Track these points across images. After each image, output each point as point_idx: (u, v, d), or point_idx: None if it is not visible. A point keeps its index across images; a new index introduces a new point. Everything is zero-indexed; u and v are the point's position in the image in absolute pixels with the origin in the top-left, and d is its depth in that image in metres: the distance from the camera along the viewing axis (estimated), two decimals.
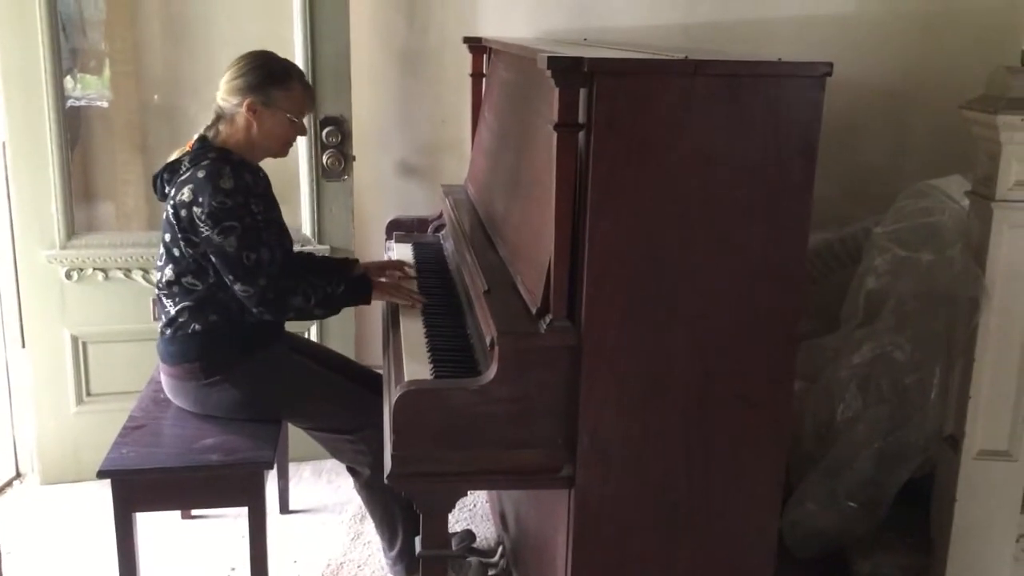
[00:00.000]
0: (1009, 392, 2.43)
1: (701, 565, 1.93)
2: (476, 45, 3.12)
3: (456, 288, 2.55)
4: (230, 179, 2.32)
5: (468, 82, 3.21)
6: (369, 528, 2.99)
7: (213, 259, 2.34)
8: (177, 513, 3.04)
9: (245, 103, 2.37)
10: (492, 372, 1.79)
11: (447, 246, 2.97)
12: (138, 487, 2.22)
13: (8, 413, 3.31)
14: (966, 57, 2.98)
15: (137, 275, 3.19)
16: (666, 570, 1.92)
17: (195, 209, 2.30)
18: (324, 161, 3.19)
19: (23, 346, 3.23)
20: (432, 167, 3.46)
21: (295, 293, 2.36)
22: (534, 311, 1.84)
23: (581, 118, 1.69)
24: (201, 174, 2.31)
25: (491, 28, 3.30)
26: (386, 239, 3.22)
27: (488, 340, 1.86)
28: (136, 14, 3.29)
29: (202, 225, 2.30)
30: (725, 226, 1.75)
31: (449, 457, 1.82)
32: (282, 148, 2.49)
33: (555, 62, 1.65)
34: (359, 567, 2.81)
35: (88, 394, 3.24)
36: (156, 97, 3.31)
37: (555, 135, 1.69)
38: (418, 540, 1.92)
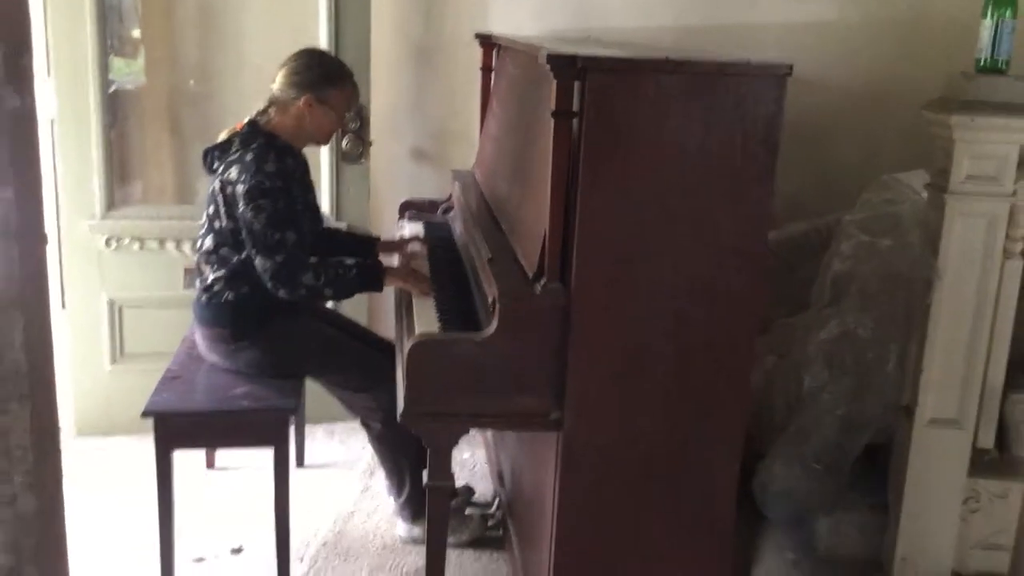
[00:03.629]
0: (958, 365, 2.68)
1: (671, 507, 2.20)
2: (486, 41, 3.39)
3: (463, 264, 2.81)
4: (274, 163, 2.57)
5: (478, 75, 3.48)
6: (377, 482, 3.27)
7: (244, 233, 2.60)
8: (203, 463, 3.32)
9: (303, 98, 2.63)
10: (492, 327, 2.06)
11: (456, 226, 3.24)
12: (176, 427, 2.50)
13: None
14: (933, 62, 3.22)
15: (170, 245, 3.47)
16: (640, 510, 2.19)
17: (238, 187, 2.56)
18: (344, 145, 3.46)
19: (63, 307, 3.52)
20: (443, 153, 3.72)
21: (307, 272, 2.56)
22: (530, 276, 2.11)
23: (575, 108, 1.96)
24: (249, 156, 2.57)
25: (501, 25, 3.56)
26: (399, 219, 3.49)
27: (490, 300, 2.13)
28: (171, 4, 3.57)
29: (240, 200, 2.56)
30: (697, 204, 2.02)
31: (453, 400, 2.09)
32: (326, 138, 2.77)
33: (553, 58, 1.92)
34: (368, 516, 3.09)
35: (122, 354, 3.52)
36: (192, 83, 3.58)
37: (552, 122, 1.96)
38: (425, 472, 2.19)
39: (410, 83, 3.68)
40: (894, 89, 3.40)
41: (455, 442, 2.17)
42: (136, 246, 3.44)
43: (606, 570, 2.22)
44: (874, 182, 2.99)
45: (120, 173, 3.48)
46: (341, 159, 3.48)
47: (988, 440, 2.79)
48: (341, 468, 3.40)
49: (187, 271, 3.50)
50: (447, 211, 3.47)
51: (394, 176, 3.72)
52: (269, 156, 2.58)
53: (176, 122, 3.68)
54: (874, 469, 2.95)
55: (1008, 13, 2.49)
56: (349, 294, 2.71)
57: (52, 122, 3.34)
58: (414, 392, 2.08)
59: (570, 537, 2.18)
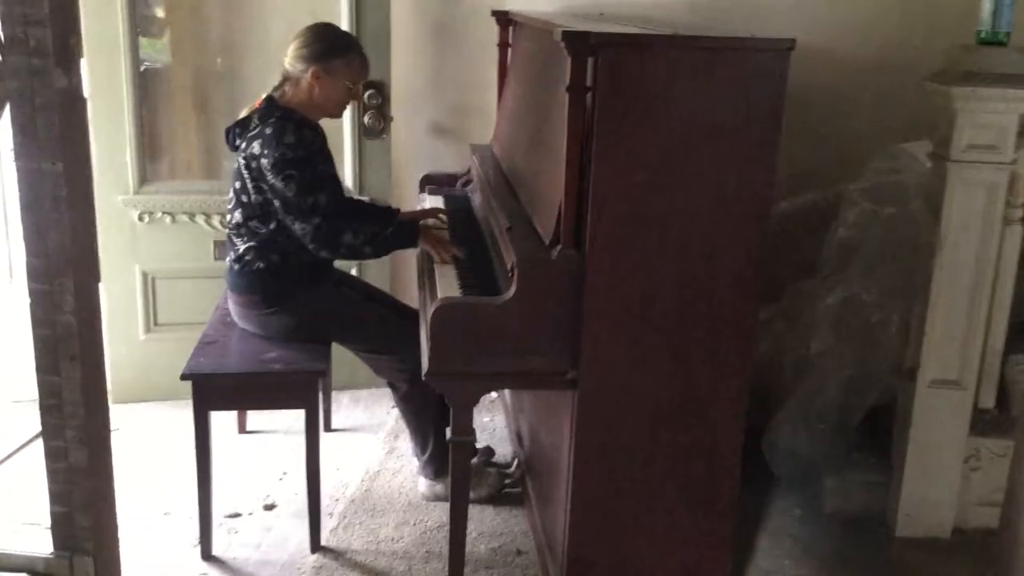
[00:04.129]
0: (959, 328, 2.79)
1: (680, 460, 2.32)
2: (503, 18, 3.49)
3: (483, 233, 2.93)
4: (292, 135, 2.70)
5: (494, 51, 3.59)
6: (401, 444, 3.41)
7: (276, 204, 2.72)
8: (235, 427, 3.47)
9: (310, 70, 2.74)
10: (512, 291, 2.19)
11: (474, 199, 3.35)
12: (213, 389, 2.63)
13: None
14: (940, 33, 3.29)
15: (200, 219, 3.60)
16: (650, 463, 2.32)
17: (263, 160, 2.68)
18: (366, 121, 3.57)
19: (98, 280, 3.65)
20: (460, 128, 3.83)
21: (347, 231, 2.72)
22: (547, 243, 2.23)
23: (588, 82, 2.07)
24: (268, 131, 2.70)
25: (516, 2, 3.64)
26: (419, 192, 3.61)
27: (509, 266, 2.25)
28: None
29: (268, 173, 2.68)
30: (703, 173, 2.13)
31: (475, 361, 2.22)
32: (337, 110, 2.87)
33: (568, 35, 2.03)
34: (393, 475, 3.23)
35: (155, 324, 3.66)
36: (219, 60, 3.70)
37: (567, 96, 2.07)
38: (448, 430, 2.32)
39: (429, 60, 3.78)
40: (902, 60, 3.48)
41: (477, 400, 2.29)
42: (168, 220, 3.58)
43: (618, 522, 2.35)
44: (879, 152, 3.09)
45: (150, 150, 3.61)
46: (363, 134, 3.59)
47: (989, 400, 2.90)
48: (366, 432, 3.54)
49: (216, 244, 3.63)
50: (466, 184, 3.58)
51: (414, 150, 3.83)
52: (288, 128, 2.70)
53: (202, 100, 3.80)
54: (878, 430, 3.07)
55: None
56: (386, 251, 2.86)
57: (86, 100, 3.45)
58: (438, 353, 2.20)
59: (585, 491, 2.31)
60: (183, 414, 3.56)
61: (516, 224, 2.43)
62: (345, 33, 2.85)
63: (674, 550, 2.38)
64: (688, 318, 2.21)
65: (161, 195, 3.56)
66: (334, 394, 3.62)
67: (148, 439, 3.44)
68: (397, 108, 3.63)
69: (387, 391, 3.77)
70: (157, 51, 3.74)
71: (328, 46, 2.76)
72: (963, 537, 2.93)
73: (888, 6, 3.54)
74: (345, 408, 3.71)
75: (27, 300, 2.07)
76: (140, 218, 3.55)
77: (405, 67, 3.71)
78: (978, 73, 2.61)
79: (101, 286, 3.61)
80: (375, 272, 3.66)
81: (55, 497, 2.17)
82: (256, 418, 3.56)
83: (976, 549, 2.87)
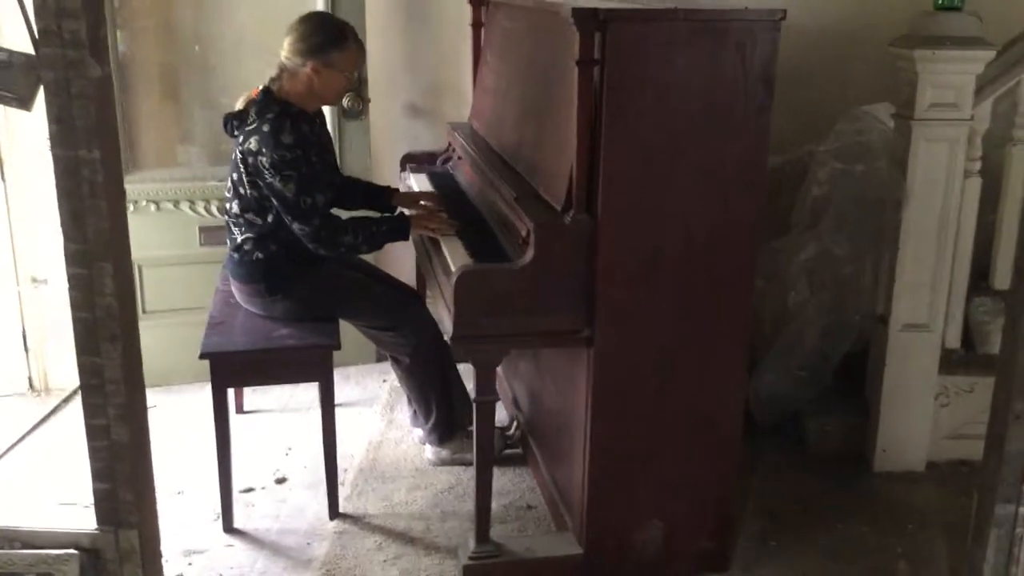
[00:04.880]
0: (927, 276, 3.01)
1: (689, 408, 2.49)
2: None
3: (475, 206, 3.05)
4: (290, 134, 2.74)
5: (467, 32, 3.69)
6: (399, 416, 3.52)
7: (275, 202, 2.78)
8: (232, 408, 3.53)
9: (309, 64, 2.78)
10: (529, 255, 2.32)
11: (458, 174, 3.47)
12: (231, 366, 2.72)
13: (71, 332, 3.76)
14: (891, 5, 3.50)
15: (184, 206, 3.65)
16: (660, 405, 2.47)
17: (261, 158, 2.73)
18: (345, 104, 3.65)
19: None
20: (436, 107, 3.93)
21: (345, 232, 2.80)
22: (559, 208, 2.37)
23: (596, 56, 2.20)
24: (266, 128, 2.72)
25: None
26: (400, 171, 3.70)
27: (524, 232, 2.38)
28: None
29: (266, 172, 2.73)
30: (704, 136, 2.28)
31: (496, 323, 2.35)
32: (336, 99, 2.96)
33: (577, 12, 2.16)
34: (396, 444, 3.34)
35: (144, 311, 3.69)
36: (197, 48, 3.74)
37: (576, 69, 2.20)
38: (472, 388, 2.45)
39: (402, 42, 3.87)
40: (861, 28, 3.67)
41: (499, 361, 2.43)
42: (153, 208, 3.62)
43: (632, 468, 2.50)
44: (844, 115, 3.29)
45: (131, 139, 3.64)
46: (343, 116, 3.67)
47: (955, 341, 3.13)
48: (362, 406, 3.64)
49: (203, 229, 3.69)
50: (446, 161, 3.69)
51: (391, 131, 3.91)
52: (285, 126, 2.74)
53: (175, 89, 3.83)
54: (853, 374, 3.28)
55: None
56: (381, 245, 2.94)
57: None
58: (462, 317, 2.32)
59: (602, 441, 2.46)
60: (176, 399, 3.66)
61: (521, 194, 2.56)
62: (340, 23, 2.89)
63: (684, 490, 2.55)
64: (692, 274, 2.37)
65: (145, 184, 3.60)
66: None
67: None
68: (373, 90, 3.71)
69: (376, 366, 3.94)
70: (131, 40, 3.75)
71: (325, 39, 2.79)
72: (936, 469, 3.16)
73: None
74: (337, 385, 3.77)
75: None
76: (134, 208, 3.58)
77: (380, 50, 3.78)
78: (937, 37, 2.81)
79: None
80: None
81: (98, 474, 2.24)
82: (251, 398, 3.63)
83: (948, 479, 3.12)
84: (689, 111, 2.26)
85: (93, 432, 2.22)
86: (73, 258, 2.11)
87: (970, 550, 2.35)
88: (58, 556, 2.24)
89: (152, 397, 3.59)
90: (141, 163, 3.69)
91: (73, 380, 3.78)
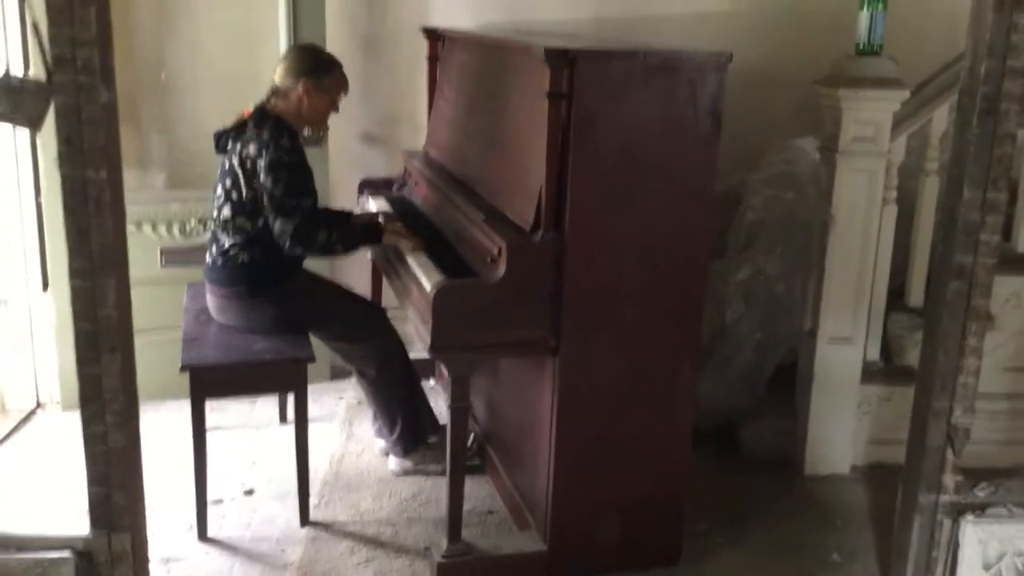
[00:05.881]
0: (850, 293, 3.30)
1: (645, 402, 2.71)
2: (432, 34, 3.81)
3: (435, 227, 3.23)
4: (288, 140, 2.96)
5: (420, 64, 3.90)
6: (358, 429, 3.67)
7: (264, 200, 2.95)
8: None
9: (301, 84, 3.01)
10: (501, 272, 2.52)
11: (415, 199, 3.65)
12: (209, 379, 2.84)
13: (31, 351, 3.82)
14: (811, 45, 3.83)
15: (147, 228, 3.75)
16: (621, 409, 2.69)
17: (259, 160, 2.92)
18: (305, 132, 3.80)
19: (44, 290, 3.75)
20: (390, 136, 4.12)
21: (320, 231, 2.98)
22: (527, 228, 2.58)
23: (564, 89, 2.43)
24: (265, 135, 2.94)
25: (438, 18, 3.97)
26: (359, 196, 3.87)
27: (496, 250, 2.57)
28: (128, 2, 3.82)
29: (261, 172, 2.92)
30: (660, 162, 2.53)
31: (471, 335, 2.54)
32: (322, 121, 3.16)
33: (549, 51, 2.38)
34: (357, 456, 3.49)
35: None
36: (163, 76, 3.86)
37: (547, 102, 2.43)
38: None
39: (359, 72, 4.02)
40: (779, 69, 3.99)
41: (474, 370, 2.61)
42: None
43: (595, 468, 2.71)
44: (772, 146, 3.58)
45: None
46: (303, 143, 3.81)
47: (875, 353, 3.44)
48: (321, 422, 3.76)
49: (163, 252, 3.79)
50: (401, 187, 3.87)
51: (347, 158, 4.08)
52: (283, 134, 2.96)
53: (134, 114, 3.94)
54: (782, 385, 3.56)
55: (880, 6, 3.11)
56: (355, 248, 3.13)
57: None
58: (440, 329, 2.51)
59: (567, 443, 2.66)
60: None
61: (487, 215, 2.76)
62: (331, 54, 3.14)
63: (639, 489, 2.76)
64: (650, 288, 2.61)
65: None
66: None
67: None
68: (331, 118, 3.88)
69: (331, 384, 4.09)
70: None
71: (318, 63, 3.06)
72: (858, 471, 3.45)
73: (764, 21, 4.05)
74: (291, 405, 3.91)
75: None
76: None
77: None
78: (859, 78, 3.12)
79: (50, 298, 3.74)
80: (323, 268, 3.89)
81: (94, 479, 2.35)
82: (211, 416, 3.70)
83: (870, 480, 3.40)
84: (646, 140, 2.51)
85: (91, 438, 2.33)
86: (77, 272, 2.23)
87: (896, 535, 2.62)
88: (53, 560, 2.33)
89: None
90: None
91: (30, 401, 3.84)
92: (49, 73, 2.15)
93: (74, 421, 3.70)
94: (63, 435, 3.62)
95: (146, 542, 2.48)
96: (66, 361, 3.75)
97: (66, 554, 2.34)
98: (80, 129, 2.15)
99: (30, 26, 2.28)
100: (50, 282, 3.72)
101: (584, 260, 2.54)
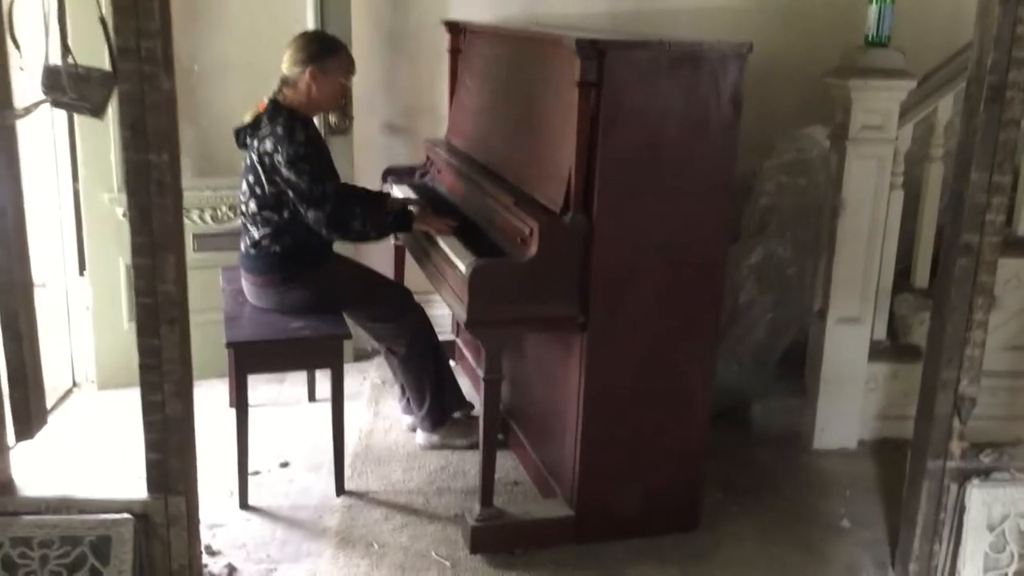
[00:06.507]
0: (858, 275, 3.44)
1: (667, 380, 2.86)
2: (454, 27, 3.95)
3: (461, 211, 3.37)
4: (302, 132, 3.07)
5: (441, 56, 4.04)
6: (385, 407, 3.82)
7: (290, 194, 3.08)
8: (225, 403, 3.77)
9: (307, 71, 3.12)
10: (533, 251, 2.66)
11: (438, 184, 3.79)
12: (252, 354, 2.99)
13: (68, 332, 3.96)
14: (814, 39, 3.98)
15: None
16: (644, 384, 2.84)
17: (277, 156, 3.04)
18: (332, 121, 3.96)
19: (81, 274, 3.89)
20: (412, 126, 4.26)
21: (355, 218, 3.11)
22: (557, 210, 2.72)
23: (594, 79, 2.57)
24: (280, 130, 3.05)
25: (458, 12, 4.11)
26: (382, 183, 4.01)
27: (527, 231, 2.72)
28: None
29: (283, 168, 3.04)
30: (683, 148, 2.67)
31: (504, 311, 2.68)
32: (333, 104, 3.28)
33: (580, 42, 2.53)
34: (385, 432, 3.64)
35: None
36: (196, 68, 3.99)
37: (576, 90, 2.57)
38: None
39: (382, 65, 4.19)
40: (786, 61, 4.13)
41: (507, 344, 2.77)
42: None
43: (619, 439, 2.86)
44: (783, 135, 3.73)
45: None
46: (330, 132, 3.97)
47: (882, 332, 3.59)
48: (348, 400, 3.81)
49: (196, 237, 3.93)
50: (424, 175, 4.01)
51: (370, 146, 4.22)
52: (296, 127, 3.08)
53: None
54: (792, 364, 3.71)
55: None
56: (387, 234, 3.29)
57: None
58: (476, 305, 2.65)
59: (593, 418, 2.81)
60: None
61: (517, 198, 2.91)
62: (333, 36, 3.26)
63: (661, 459, 2.92)
64: (673, 267, 2.75)
65: None
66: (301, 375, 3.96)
67: (135, 420, 3.66)
68: (355, 110, 4.02)
69: (355, 365, 4.23)
70: None
71: (321, 48, 3.16)
72: (865, 446, 3.60)
73: (771, 15, 4.19)
74: (320, 384, 4.05)
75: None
76: (124, 215, 3.80)
77: (362, 73, 4.05)
78: (868, 68, 3.27)
79: (84, 279, 3.88)
80: (350, 252, 4.03)
81: (151, 445, 2.49)
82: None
83: (877, 454, 3.56)
84: (671, 127, 2.65)
85: (149, 407, 2.47)
86: (139, 249, 2.37)
87: (905, 500, 2.78)
88: (115, 520, 2.48)
89: None
90: None
91: (66, 381, 3.98)
92: (114, 63, 2.29)
93: (110, 400, 3.88)
94: (100, 413, 3.77)
95: (198, 506, 2.62)
96: (103, 342, 3.90)
97: (126, 516, 2.49)
98: (143, 115, 2.29)
99: (98, 19, 2.40)
100: (87, 265, 3.86)
101: (611, 241, 2.69)
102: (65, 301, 3.94)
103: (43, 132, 3.76)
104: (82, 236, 3.87)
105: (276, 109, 3.14)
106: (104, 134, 3.70)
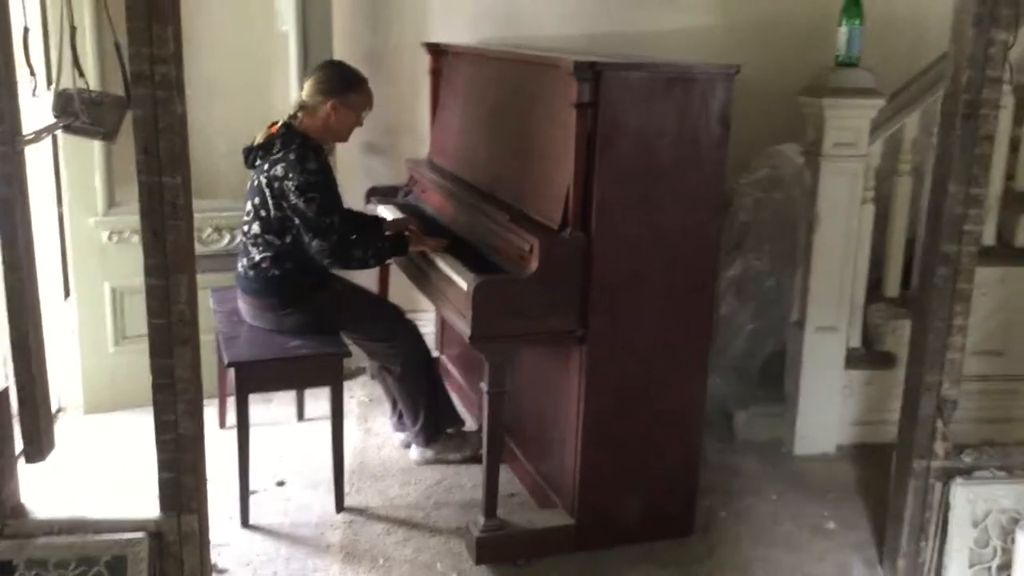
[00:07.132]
0: (833, 286, 3.58)
1: (662, 391, 2.96)
2: (435, 48, 4.03)
3: (450, 230, 3.44)
4: (314, 161, 3.13)
5: (423, 77, 4.12)
6: (375, 424, 3.87)
7: (296, 221, 3.12)
8: (216, 424, 3.78)
9: (330, 103, 3.18)
10: (533, 267, 2.75)
11: (424, 203, 3.86)
12: (254, 373, 3.03)
13: (53, 357, 3.93)
14: (786, 60, 4.12)
15: None
16: (640, 395, 2.93)
17: (287, 183, 3.09)
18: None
19: (65, 298, 3.89)
20: (393, 146, 4.33)
21: (356, 247, 3.19)
22: (555, 227, 2.81)
23: (589, 99, 2.67)
24: (292, 156, 3.10)
25: (438, 34, 4.19)
26: (366, 203, 4.07)
27: (526, 247, 2.80)
28: None
29: (291, 194, 3.09)
30: (677, 164, 2.78)
31: (507, 325, 2.76)
32: (348, 135, 3.33)
33: (578, 63, 2.63)
34: (378, 449, 3.68)
35: (124, 336, 3.91)
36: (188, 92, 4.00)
37: (574, 111, 2.67)
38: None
39: None
40: (759, 81, 4.27)
41: (510, 357, 2.83)
42: (136, 238, 3.84)
43: (617, 448, 2.95)
44: (758, 153, 3.87)
45: (118, 174, 3.87)
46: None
47: (856, 340, 3.73)
48: None
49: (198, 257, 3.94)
50: (407, 194, 4.08)
51: (352, 166, 4.27)
52: (309, 155, 3.13)
53: None
54: (771, 373, 3.83)
55: (857, 21, 3.41)
56: (384, 260, 3.37)
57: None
58: (479, 321, 2.72)
59: (592, 428, 2.89)
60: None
61: (512, 216, 2.99)
62: (357, 70, 3.30)
63: (657, 468, 3.01)
64: (667, 281, 2.86)
65: (129, 216, 3.81)
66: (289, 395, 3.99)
67: (121, 445, 3.67)
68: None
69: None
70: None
71: (346, 81, 3.22)
72: (844, 450, 3.74)
73: (743, 35, 4.33)
74: (308, 403, 4.08)
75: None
76: (109, 238, 3.81)
77: None
78: (839, 88, 3.42)
79: (69, 303, 3.87)
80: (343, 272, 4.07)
81: (164, 464, 2.52)
82: (230, 416, 3.88)
83: (855, 458, 3.69)
84: (664, 144, 2.76)
85: (162, 426, 2.51)
86: (152, 270, 2.41)
87: (892, 499, 2.90)
88: (129, 540, 2.50)
89: (134, 417, 3.81)
90: (127, 196, 3.91)
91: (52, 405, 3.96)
92: (127, 88, 2.34)
93: (96, 424, 3.86)
94: (87, 437, 3.76)
95: (208, 524, 2.65)
96: (88, 366, 3.89)
97: (140, 535, 2.51)
98: (156, 139, 2.33)
99: (112, 45, 2.44)
100: (71, 290, 3.86)
101: (608, 255, 2.78)
102: (50, 326, 3.92)
103: (26, 156, 3.74)
104: (66, 260, 3.86)
105: (290, 133, 3.19)
106: (88, 158, 3.72)
